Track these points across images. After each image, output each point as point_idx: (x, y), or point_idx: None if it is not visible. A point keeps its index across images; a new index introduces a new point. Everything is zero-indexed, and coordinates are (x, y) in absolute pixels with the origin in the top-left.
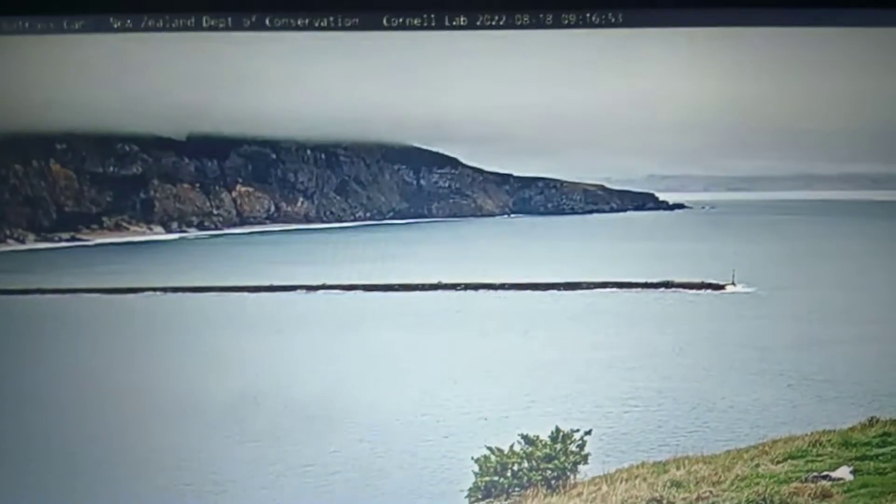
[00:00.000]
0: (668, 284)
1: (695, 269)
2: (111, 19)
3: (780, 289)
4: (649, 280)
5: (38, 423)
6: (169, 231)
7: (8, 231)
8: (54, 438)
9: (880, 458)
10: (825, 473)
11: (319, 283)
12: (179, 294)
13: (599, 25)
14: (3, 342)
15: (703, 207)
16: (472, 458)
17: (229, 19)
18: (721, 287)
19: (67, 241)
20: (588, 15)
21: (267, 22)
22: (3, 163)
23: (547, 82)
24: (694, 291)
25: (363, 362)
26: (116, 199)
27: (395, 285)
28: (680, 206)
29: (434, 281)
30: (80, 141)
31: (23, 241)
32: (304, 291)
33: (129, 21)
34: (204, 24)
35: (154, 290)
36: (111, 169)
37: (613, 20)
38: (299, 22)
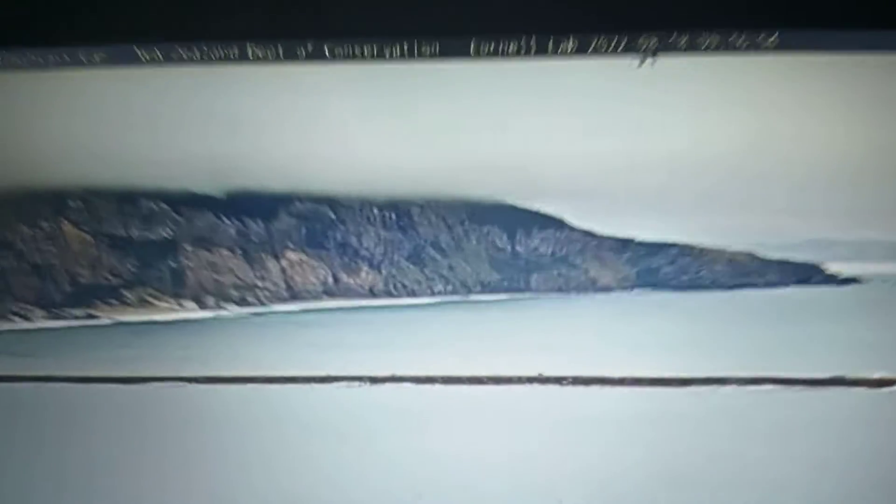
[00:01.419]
0: (839, 381)
1: (873, 361)
2: (137, 49)
3: None
4: (814, 376)
5: None
6: (203, 308)
7: (12, 306)
8: None
9: None
10: None
11: (388, 373)
12: (215, 385)
13: (748, 49)
14: (6, 436)
15: (884, 282)
16: None
17: (280, 48)
18: None
19: (82, 318)
20: (736, 35)
21: (327, 51)
22: (6, 224)
23: (675, 119)
24: (871, 389)
25: (444, 473)
26: (141, 269)
27: (483, 378)
28: (853, 280)
29: (533, 373)
30: (98, 198)
31: (29, 319)
32: (369, 383)
33: (157, 52)
34: (249, 55)
35: (184, 380)
36: (135, 232)
37: (766, 42)
38: (366, 49)
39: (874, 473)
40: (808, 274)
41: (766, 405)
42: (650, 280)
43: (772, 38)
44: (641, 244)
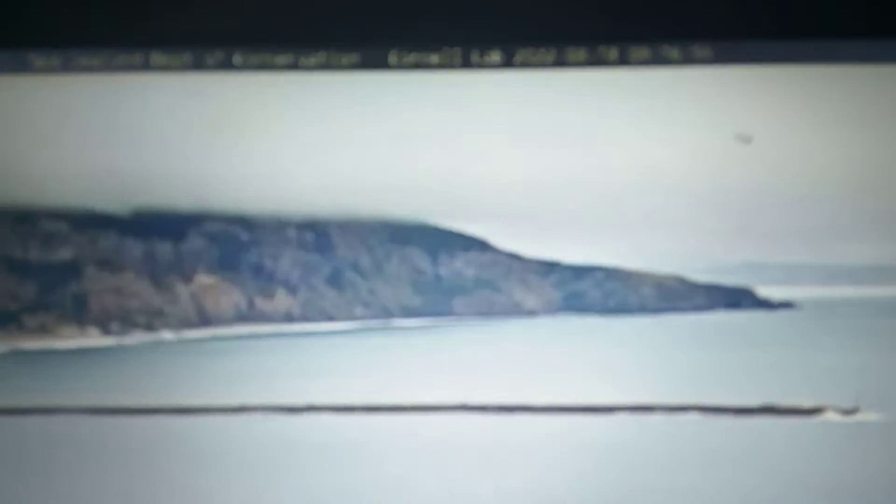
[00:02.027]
0: (769, 409)
1: (805, 388)
2: (31, 56)
3: None
4: (745, 404)
5: None
6: (107, 334)
7: None
8: None
9: None
10: None
11: (305, 403)
12: (119, 417)
13: (681, 62)
14: None
15: (817, 307)
16: None
17: (187, 56)
18: (842, 413)
19: None
20: (666, 47)
21: (236, 60)
22: None
23: (607, 137)
24: (804, 418)
25: None
26: (41, 294)
27: (405, 406)
28: (787, 304)
29: (457, 402)
30: None
31: None
32: (285, 414)
33: (54, 58)
34: (152, 63)
35: (87, 410)
36: (33, 254)
37: (701, 56)
38: (280, 60)
39: (806, 500)
40: (738, 298)
41: (694, 434)
42: (576, 304)
43: (705, 51)
44: (568, 267)
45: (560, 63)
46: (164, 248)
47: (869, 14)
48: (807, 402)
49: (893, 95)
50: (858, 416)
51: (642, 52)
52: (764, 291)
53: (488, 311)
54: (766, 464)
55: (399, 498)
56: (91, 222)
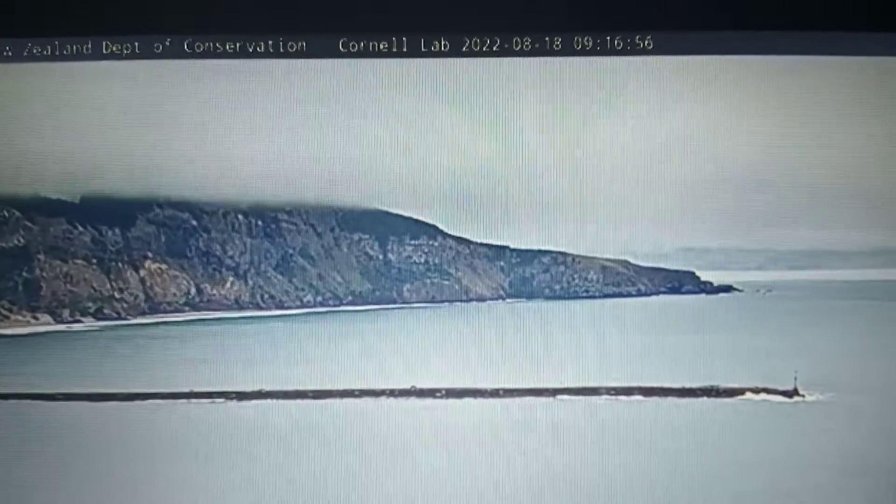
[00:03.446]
0: (711, 391)
1: (746, 370)
2: None
3: (857, 395)
4: (686, 385)
5: None
6: (59, 321)
7: None
8: None
9: None
10: None
11: (255, 388)
12: (70, 402)
13: (623, 52)
14: None
15: (757, 290)
16: None
17: (135, 44)
18: (780, 393)
19: None
20: (609, 38)
21: (185, 47)
22: None
23: (552, 125)
24: (745, 399)
25: (312, 493)
26: None
27: (354, 391)
28: (727, 288)
29: (406, 385)
30: None
31: None
32: (235, 400)
33: (4, 47)
34: (104, 50)
35: (37, 397)
36: None
37: (640, 45)
38: (228, 47)
39: (744, 483)
40: (680, 282)
41: (637, 415)
42: (523, 289)
43: (646, 41)
44: (515, 252)
45: (505, 52)
46: (112, 235)
47: (809, 6)
48: (747, 383)
49: (833, 85)
50: (797, 397)
51: (586, 41)
52: (705, 276)
53: (437, 297)
54: (709, 444)
55: (352, 480)
56: (41, 209)
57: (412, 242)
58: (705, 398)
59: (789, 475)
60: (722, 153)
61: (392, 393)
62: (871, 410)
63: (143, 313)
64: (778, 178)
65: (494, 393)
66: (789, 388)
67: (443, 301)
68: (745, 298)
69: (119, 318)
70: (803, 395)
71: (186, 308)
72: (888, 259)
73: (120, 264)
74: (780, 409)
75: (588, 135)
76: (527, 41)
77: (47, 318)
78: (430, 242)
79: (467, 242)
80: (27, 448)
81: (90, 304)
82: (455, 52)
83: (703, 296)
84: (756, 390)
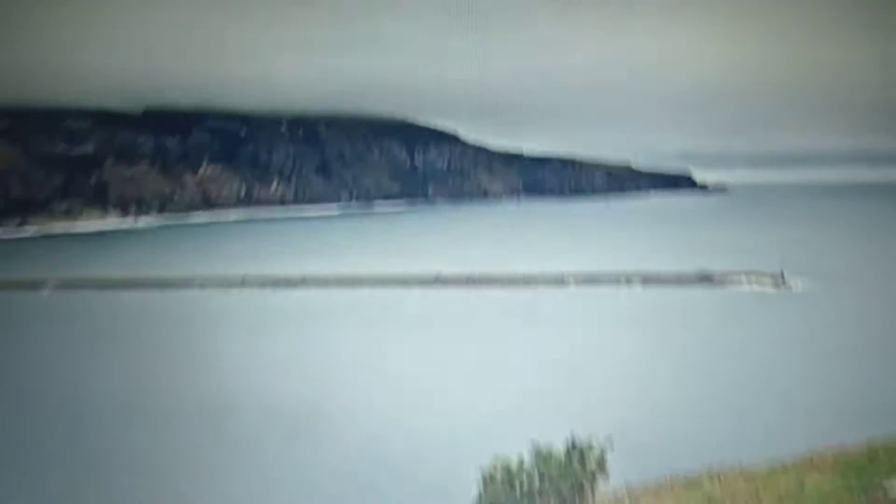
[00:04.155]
0: (704, 278)
1: (736, 260)
2: None
3: (837, 284)
4: (682, 273)
5: None
6: (126, 216)
7: None
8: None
9: None
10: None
11: (299, 276)
12: (135, 290)
13: None
14: None
15: (747, 189)
16: (480, 471)
17: None
18: (768, 281)
19: (14, 229)
20: None
21: None
22: None
23: (559, 45)
24: (735, 286)
25: (352, 365)
26: (67, 183)
27: (386, 278)
28: (720, 187)
29: (432, 274)
30: (25, 117)
31: None
32: (282, 286)
33: None
34: None
35: (105, 284)
36: (60, 148)
37: None
38: None
39: (731, 358)
40: (678, 182)
41: (637, 299)
42: (536, 190)
43: None
44: (528, 157)
45: None
46: (172, 143)
47: None
48: (738, 272)
49: (822, 2)
50: (782, 283)
51: None
52: (700, 177)
53: (459, 196)
54: (702, 328)
55: (381, 356)
56: (109, 120)
57: (435, 148)
58: (698, 286)
59: (767, 349)
60: (715, 65)
61: (419, 280)
62: (852, 298)
63: (200, 210)
64: (768, 88)
65: (509, 280)
66: (776, 275)
67: (464, 199)
68: (736, 197)
69: (179, 215)
70: (789, 282)
71: (238, 206)
72: (870, 161)
73: (179, 168)
74: (767, 296)
75: (596, 53)
76: None
77: (115, 216)
78: (452, 148)
79: (484, 149)
80: (100, 330)
81: (153, 203)
82: None
83: (698, 194)
84: (744, 279)
